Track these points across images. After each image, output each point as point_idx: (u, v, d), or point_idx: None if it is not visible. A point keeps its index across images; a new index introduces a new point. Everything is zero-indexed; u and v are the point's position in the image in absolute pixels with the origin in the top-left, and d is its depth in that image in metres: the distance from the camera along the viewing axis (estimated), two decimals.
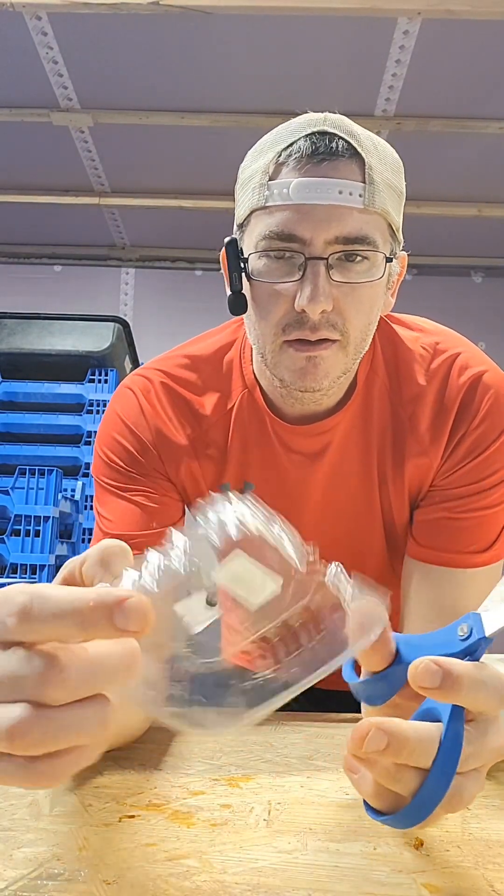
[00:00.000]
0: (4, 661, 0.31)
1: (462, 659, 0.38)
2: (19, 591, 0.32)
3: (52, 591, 0.31)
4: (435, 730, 0.38)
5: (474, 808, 0.53)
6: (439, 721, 0.38)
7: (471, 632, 0.39)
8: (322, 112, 0.71)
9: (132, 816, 0.49)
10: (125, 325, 3.23)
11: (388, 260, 0.70)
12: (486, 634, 0.38)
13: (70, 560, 0.41)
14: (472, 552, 0.76)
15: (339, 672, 0.42)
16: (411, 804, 0.37)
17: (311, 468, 0.81)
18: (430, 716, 0.39)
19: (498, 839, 0.47)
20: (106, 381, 3.04)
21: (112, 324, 3.12)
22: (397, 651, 0.43)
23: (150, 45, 2.66)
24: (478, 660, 0.39)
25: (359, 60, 2.71)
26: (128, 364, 3.31)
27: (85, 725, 0.31)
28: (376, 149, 0.70)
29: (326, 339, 0.69)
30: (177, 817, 0.49)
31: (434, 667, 0.37)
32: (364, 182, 0.67)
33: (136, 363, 3.41)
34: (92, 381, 3.04)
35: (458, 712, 0.37)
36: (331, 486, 0.82)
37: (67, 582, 0.39)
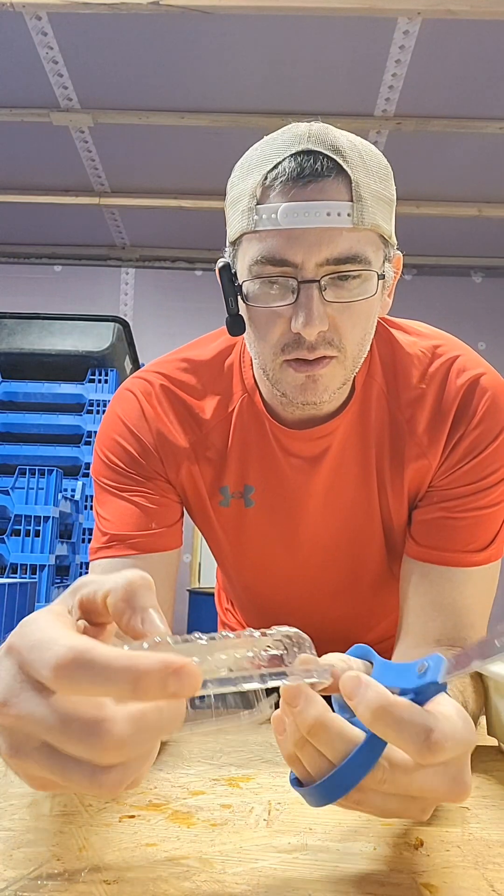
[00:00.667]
0: (46, 708, 0.32)
1: (414, 697, 0.38)
2: (61, 641, 0.32)
3: (100, 653, 0.31)
4: (353, 732, 0.39)
5: (474, 808, 0.53)
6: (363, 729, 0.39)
7: (426, 672, 0.38)
8: (307, 123, 0.71)
9: (132, 816, 0.49)
10: (125, 325, 3.23)
11: (381, 277, 0.71)
12: (440, 680, 0.38)
13: (87, 582, 0.39)
14: (470, 551, 0.77)
15: None
16: (314, 787, 0.40)
17: (310, 472, 0.82)
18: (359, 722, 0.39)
19: (498, 839, 0.47)
20: (106, 381, 3.04)
21: (112, 324, 3.12)
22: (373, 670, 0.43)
23: (150, 45, 2.66)
24: (423, 702, 0.38)
25: (359, 60, 2.71)
26: (128, 364, 3.32)
27: (143, 770, 0.33)
28: (362, 160, 0.69)
29: (324, 357, 0.70)
30: (177, 817, 0.49)
31: (354, 680, 0.38)
32: (352, 200, 0.67)
33: (136, 363, 3.41)
34: (92, 381, 3.04)
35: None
36: (330, 489, 0.82)
37: (85, 608, 0.39)
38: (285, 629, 0.40)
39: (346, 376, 0.74)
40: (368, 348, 0.75)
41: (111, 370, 3.06)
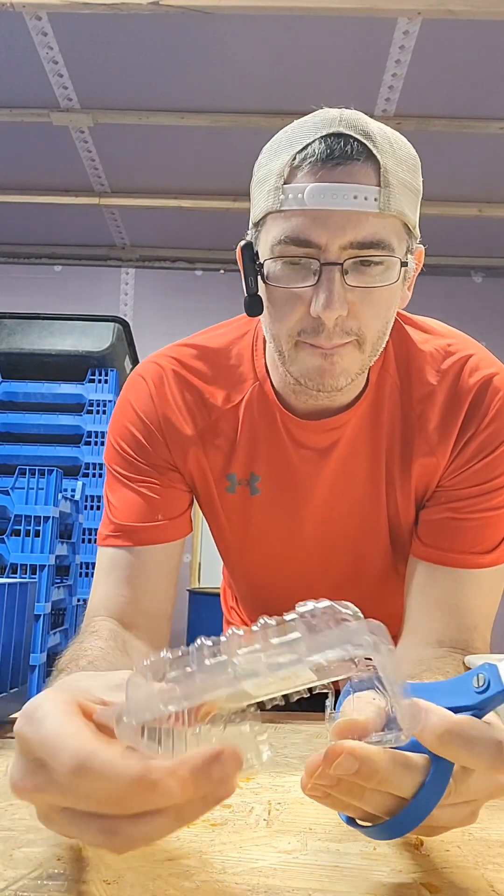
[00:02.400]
0: (53, 779, 0.34)
1: (477, 712, 0.38)
2: (70, 743, 0.33)
3: (100, 765, 0.32)
4: (418, 761, 0.37)
5: None
6: (425, 753, 0.38)
7: (488, 684, 0.37)
8: (338, 108, 0.71)
9: None
10: (125, 325, 3.23)
11: (404, 264, 0.70)
12: None
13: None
14: (477, 553, 0.76)
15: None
16: (388, 824, 0.38)
17: (319, 464, 0.81)
18: (418, 747, 0.38)
19: (498, 839, 0.47)
20: (106, 381, 3.04)
21: (112, 324, 3.12)
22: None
23: (150, 45, 2.66)
24: (482, 715, 0.38)
25: (359, 60, 2.71)
26: (128, 364, 3.31)
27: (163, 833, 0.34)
28: (392, 147, 0.69)
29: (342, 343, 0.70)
30: None
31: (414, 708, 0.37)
32: (379, 185, 0.66)
33: (135, 363, 3.41)
34: (92, 381, 3.04)
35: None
36: (337, 482, 0.82)
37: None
38: (311, 608, 0.36)
39: (364, 363, 0.73)
40: (388, 336, 0.74)
41: (111, 370, 3.06)
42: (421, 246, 0.75)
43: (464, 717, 0.37)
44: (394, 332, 0.81)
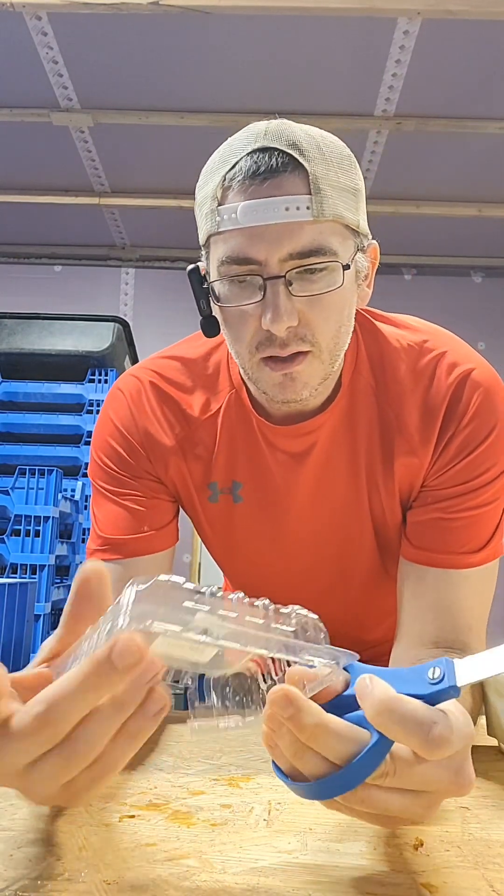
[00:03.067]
0: None
1: (428, 702, 0.38)
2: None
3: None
4: (358, 734, 0.38)
5: (474, 808, 0.53)
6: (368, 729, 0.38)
7: (442, 677, 0.38)
8: (266, 120, 0.71)
9: (132, 816, 0.49)
10: (125, 325, 3.23)
11: (346, 267, 0.70)
12: (458, 684, 0.38)
13: (48, 640, 0.44)
14: (467, 552, 0.76)
15: None
16: (318, 782, 0.39)
17: (296, 468, 0.82)
18: (363, 722, 0.39)
19: (498, 839, 0.47)
20: (106, 381, 3.04)
21: (112, 324, 3.12)
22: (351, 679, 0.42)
23: (150, 45, 2.66)
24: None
25: (359, 60, 2.71)
26: (127, 364, 3.32)
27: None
28: (321, 152, 0.69)
29: (298, 353, 0.70)
30: (177, 817, 0.49)
31: (364, 681, 0.38)
32: (310, 193, 0.67)
33: (135, 363, 3.40)
34: (92, 381, 3.04)
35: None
36: (317, 486, 0.82)
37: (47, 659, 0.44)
38: (304, 612, 0.41)
39: (326, 371, 0.73)
40: (347, 341, 0.74)
41: (111, 370, 3.06)
42: (374, 242, 0.75)
43: (404, 696, 0.38)
44: (365, 331, 0.81)
